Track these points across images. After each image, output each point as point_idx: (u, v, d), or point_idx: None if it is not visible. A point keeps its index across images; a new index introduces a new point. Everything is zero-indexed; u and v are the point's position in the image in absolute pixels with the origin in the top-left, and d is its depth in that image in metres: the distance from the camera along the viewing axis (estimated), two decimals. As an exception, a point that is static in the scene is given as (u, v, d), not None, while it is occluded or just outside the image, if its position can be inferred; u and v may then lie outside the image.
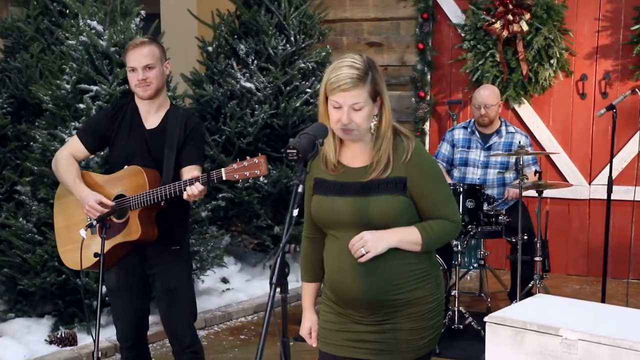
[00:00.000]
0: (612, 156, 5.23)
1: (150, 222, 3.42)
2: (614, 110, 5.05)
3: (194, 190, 3.19)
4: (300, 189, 2.40)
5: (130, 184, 3.39)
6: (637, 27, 6.51)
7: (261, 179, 6.27)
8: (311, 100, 6.62)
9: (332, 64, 2.47)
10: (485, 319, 2.34)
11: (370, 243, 2.42)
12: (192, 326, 3.62)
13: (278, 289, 2.32)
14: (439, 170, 2.59)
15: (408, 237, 2.47)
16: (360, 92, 2.40)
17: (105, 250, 3.32)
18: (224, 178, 3.15)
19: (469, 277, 6.91)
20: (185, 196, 3.22)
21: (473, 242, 5.91)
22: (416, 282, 2.48)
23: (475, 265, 6.09)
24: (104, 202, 3.39)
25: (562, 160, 6.99)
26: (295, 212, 2.39)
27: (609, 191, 5.12)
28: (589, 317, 2.37)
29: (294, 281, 4.98)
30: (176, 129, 3.46)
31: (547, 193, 6.67)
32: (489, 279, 6.17)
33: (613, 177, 6.64)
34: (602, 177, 6.71)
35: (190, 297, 3.61)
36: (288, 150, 2.39)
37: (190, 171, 3.39)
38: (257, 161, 3.08)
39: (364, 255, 2.43)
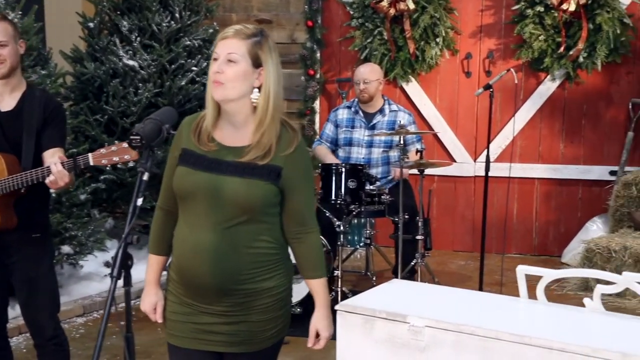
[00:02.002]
0: (489, 134, 5.31)
1: (8, 209, 3.24)
2: (491, 90, 5.12)
3: (57, 176, 3.02)
4: (145, 177, 2.30)
5: None
6: (517, 6, 6.64)
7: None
8: (197, 79, 6.48)
9: None
10: (336, 307, 2.31)
11: (328, 334, 2.42)
12: (55, 317, 3.47)
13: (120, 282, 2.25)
14: (312, 172, 2.55)
15: (326, 292, 2.46)
16: (239, 44, 2.32)
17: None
18: (91, 163, 3.00)
19: (359, 256, 6.95)
20: (47, 182, 3.07)
21: (362, 221, 5.94)
22: (268, 273, 2.41)
23: (361, 244, 6.13)
24: None
25: (449, 138, 7.09)
26: (140, 202, 2.30)
27: (487, 169, 5.20)
28: (439, 303, 2.37)
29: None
30: (35, 111, 3.29)
31: (433, 171, 6.79)
32: (376, 257, 6.22)
33: (497, 155, 6.86)
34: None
35: (51, 287, 3.45)
36: (131, 137, 2.29)
37: (52, 154, 3.22)
38: (126, 145, 2.93)
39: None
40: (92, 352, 4.58)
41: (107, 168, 5.92)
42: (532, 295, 2.30)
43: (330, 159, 5.61)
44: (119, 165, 2.92)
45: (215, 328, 2.42)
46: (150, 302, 2.57)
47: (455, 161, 7.04)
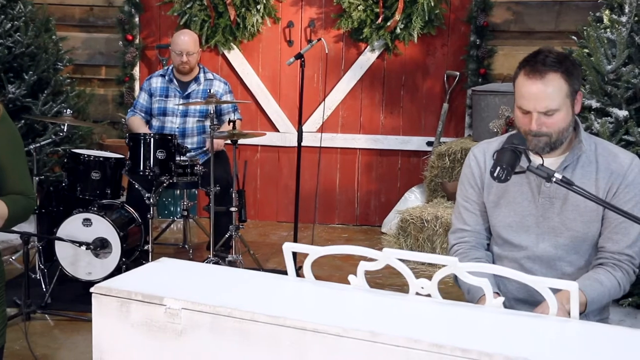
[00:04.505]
0: (301, 104, 5.25)
1: None
2: (302, 59, 5.06)
3: None
4: None
5: None
6: (336, -25, 6.61)
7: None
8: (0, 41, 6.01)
9: None
10: (92, 289, 2.14)
11: None
12: None
13: None
14: (22, 143, 2.35)
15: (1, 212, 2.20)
16: None
17: None
18: None
19: (182, 227, 6.76)
20: None
21: (183, 192, 5.79)
22: None
23: (179, 216, 5.96)
24: None
25: (272, 108, 6.99)
26: None
27: (299, 140, 5.16)
28: (203, 284, 2.26)
29: None
30: None
31: (257, 140, 6.70)
32: (195, 229, 6.08)
33: (319, 125, 6.85)
34: (310, 125, 6.81)
35: None
36: None
37: None
38: None
39: None
40: None
41: None
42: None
43: (143, 130, 5.40)
44: None
45: None
46: None
47: (278, 131, 6.97)
